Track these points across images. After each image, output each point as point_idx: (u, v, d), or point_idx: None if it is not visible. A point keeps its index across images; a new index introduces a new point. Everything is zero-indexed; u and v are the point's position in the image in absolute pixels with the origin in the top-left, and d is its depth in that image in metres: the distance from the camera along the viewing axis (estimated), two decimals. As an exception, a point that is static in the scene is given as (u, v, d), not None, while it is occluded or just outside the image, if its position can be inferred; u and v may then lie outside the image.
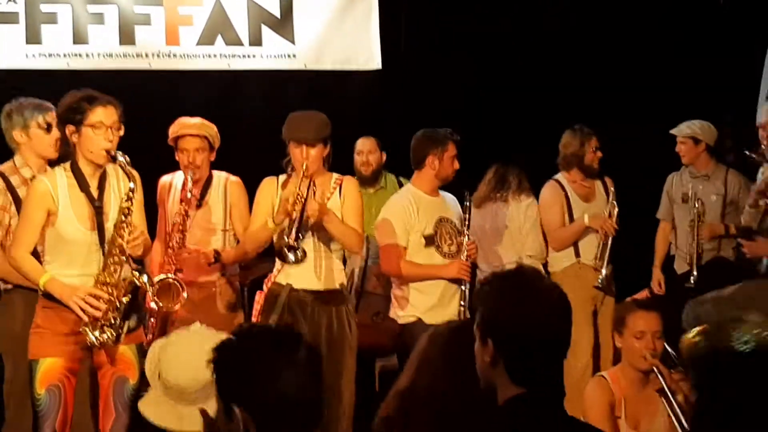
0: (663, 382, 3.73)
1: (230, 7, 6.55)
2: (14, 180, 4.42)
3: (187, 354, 2.64)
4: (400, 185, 5.74)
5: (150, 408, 2.70)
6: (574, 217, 5.63)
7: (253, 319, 4.66)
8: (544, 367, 2.12)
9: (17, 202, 4.31)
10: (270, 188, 4.64)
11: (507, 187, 5.80)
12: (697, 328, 1.93)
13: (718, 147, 5.93)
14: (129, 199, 3.92)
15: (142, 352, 4.12)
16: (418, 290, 4.93)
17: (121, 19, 6.38)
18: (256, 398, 1.91)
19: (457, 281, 4.88)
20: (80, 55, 6.34)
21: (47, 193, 3.91)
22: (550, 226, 5.66)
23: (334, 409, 4.48)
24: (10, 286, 4.38)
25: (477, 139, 5.85)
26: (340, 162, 4.87)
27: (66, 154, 4.07)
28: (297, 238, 4.40)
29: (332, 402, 4.46)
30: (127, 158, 3.90)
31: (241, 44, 6.60)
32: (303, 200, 4.38)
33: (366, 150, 6.10)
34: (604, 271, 5.54)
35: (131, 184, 3.92)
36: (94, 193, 3.95)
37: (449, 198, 5.11)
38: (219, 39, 6.56)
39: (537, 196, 5.79)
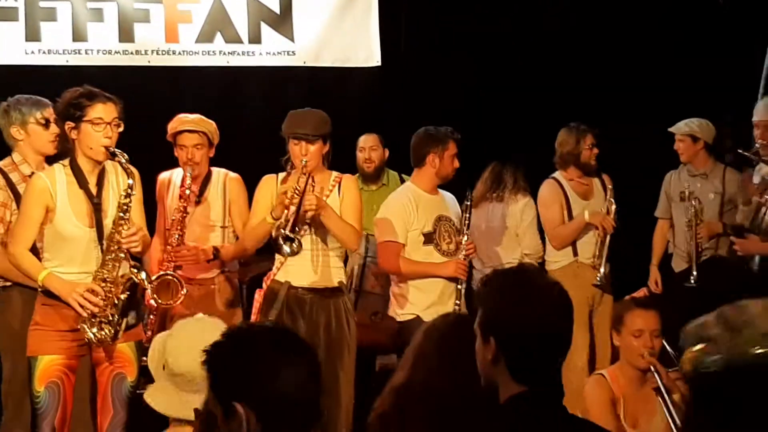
0: (659, 381, 3.73)
1: (230, 4, 6.54)
2: (14, 177, 4.42)
3: (194, 340, 2.64)
4: (403, 182, 5.73)
5: (156, 397, 2.69)
6: (573, 214, 5.63)
7: (252, 317, 4.66)
8: (546, 365, 2.12)
9: (17, 198, 4.31)
10: (269, 185, 4.64)
11: (503, 187, 5.82)
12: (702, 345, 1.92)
13: (716, 146, 5.93)
14: (128, 195, 3.92)
15: (141, 350, 4.13)
16: (417, 288, 4.93)
17: (120, 16, 6.38)
18: (260, 394, 1.91)
19: (454, 279, 4.89)
20: (79, 52, 6.33)
21: (45, 189, 3.91)
22: (550, 224, 5.66)
23: (333, 407, 4.48)
24: (8, 284, 4.38)
25: (477, 138, 5.85)
26: (341, 160, 4.86)
27: (65, 150, 4.07)
28: (294, 230, 4.37)
29: (331, 400, 4.46)
30: (126, 156, 3.90)
31: (241, 41, 6.59)
32: (301, 194, 4.37)
33: (368, 146, 6.08)
34: (602, 269, 5.54)
35: (130, 181, 3.92)
36: (93, 190, 3.95)
37: (448, 197, 5.12)
38: (218, 36, 6.56)
39: (536, 195, 5.79)
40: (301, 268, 4.55)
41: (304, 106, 4.71)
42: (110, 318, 3.88)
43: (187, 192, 4.82)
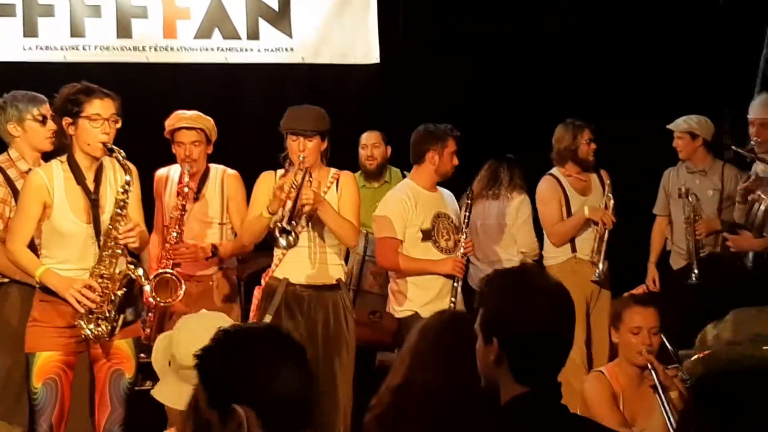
0: (656, 378, 3.73)
1: (228, 0, 6.53)
2: (11, 173, 4.41)
3: (201, 333, 2.64)
4: (405, 180, 5.72)
5: (164, 392, 2.69)
6: (572, 210, 5.62)
7: (251, 314, 4.65)
8: (549, 365, 2.12)
9: (16, 195, 4.30)
10: (267, 182, 4.62)
11: (499, 184, 5.85)
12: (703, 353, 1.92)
13: (715, 143, 5.93)
14: (125, 191, 3.91)
15: (139, 346, 4.12)
16: (416, 285, 4.93)
17: (118, 12, 6.37)
18: (259, 395, 1.90)
19: (451, 277, 4.89)
20: (77, 48, 6.33)
21: (43, 186, 3.90)
22: (548, 221, 5.65)
23: (331, 404, 4.47)
24: (6, 280, 4.37)
25: (476, 138, 5.85)
26: (340, 156, 4.85)
27: (62, 146, 4.07)
28: (290, 223, 4.36)
29: (328, 397, 4.46)
30: (123, 153, 3.89)
31: (239, 38, 6.59)
32: (298, 188, 4.35)
33: (370, 144, 6.05)
34: (601, 265, 5.53)
35: (127, 177, 3.91)
36: (91, 186, 3.95)
37: (447, 194, 5.12)
38: (216, 32, 6.55)
39: (533, 194, 5.78)
40: (300, 265, 4.54)
41: (303, 104, 4.70)
42: (107, 314, 3.88)
43: (186, 189, 4.81)
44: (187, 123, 4.85)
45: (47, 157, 4.35)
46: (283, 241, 4.36)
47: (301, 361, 1.98)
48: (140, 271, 3.95)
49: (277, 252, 4.60)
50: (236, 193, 4.93)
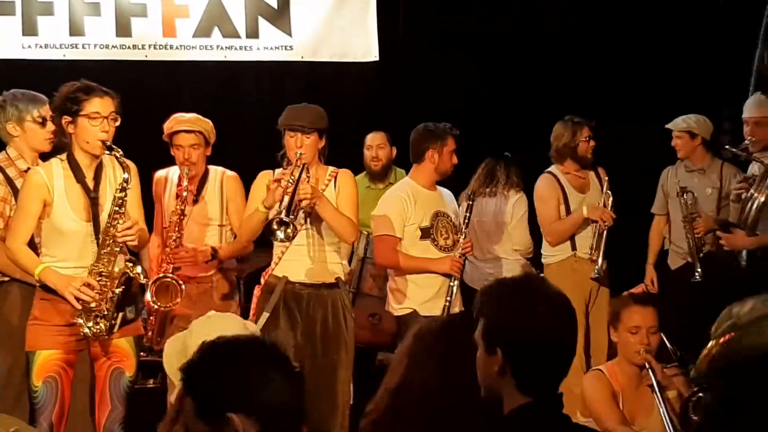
0: (653, 378, 3.74)
1: (227, -2, 6.56)
2: (11, 172, 4.41)
3: (217, 333, 2.65)
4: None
5: None
6: (570, 208, 5.60)
7: (251, 313, 4.65)
8: (552, 375, 2.12)
9: (15, 193, 4.29)
10: (265, 181, 4.59)
11: (495, 182, 5.86)
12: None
13: (714, 142, 5.94)
14: (123, 189, 3.91)
15: (139, 345, 4.13)
16: (415, 283, 4.94)
17: (117, 10, 6.38)
18: (252, 402, 1.90)
19: (448, 276, 4.90)
20: (77, 47, 6.33)
21: (43, 184, 3.91)
22: (546, 220, 5.63)
23: (329, 403, 4.48)
24: (7, 279, 4.37)
25: (476, 137, 5.85)
26: (341, 157, 4.84)
27: (62, 145, 4.07)
28: (288, 214, 4.33)
29: (327, 396, 4.46)
30: (121, 152, 3.89)
31: (238, 36, 6.59)
32: (295, 183, 4.34)
33: (375, 145, 6.02)
34: (599, 261, 5.51)
35: (125, 175, 3.91)
36: (90, 184, 3.95)
37: (446, 193, 5.13)
38: (216, 31, 6.55)
39: (530, 192, 5.78)
40: (299, 263, 4.54)
41: (303, 103, 4.70)
42: (106, 312, 3.88)
43: (185, 194, 4.78)
44: (186, 126, 4.82)
45: (45, 156, 4.34)
46: (280, 234, 4.31)
47: (288, 369, 1.98)
48: (139, 269, 3.95)
49: (276, 251, 4.59)
50: (235, 195, 4.90)
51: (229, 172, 4.98)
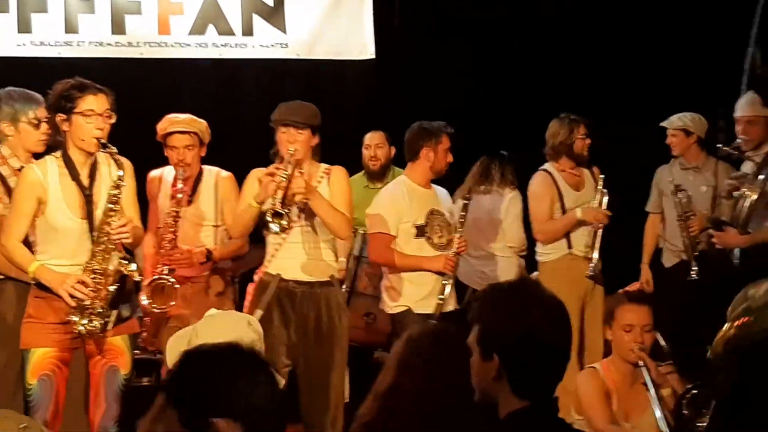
0: (647, 376, 3.75)
1: (222, -4, 6.55)
2: (4, 170, 4.40)
3: (224, 330, 2.65)
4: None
5: None
6: (565, 206, 5.58)
7: (245, 311, 4.64)
8: (547, 378, 2.12)
9: (9, 191, 4.29)
10: (257, 179, 4.59)
11: (490, 180, 5.86)
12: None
13: (709, 140, 5.95)
14: (117, 186, 3.91)
15: (134, 343, 4.12)
16: (409, 281, 4.94)
17: (112, 7, 6.37)
18: (235, 406, 1.91)
19: (441, 273, 4.90)
20: (71, 44, 6.32)
21: (38, 181, 3.91)
22: (538, 218, 5.60)
23: (322, 401, 4.48)
24: (2, 277, 4.36)
25: (473, 137, 5.86)
26: (339, 156, 4.84)
27: (56, 143, 4.06)
28: (283, 205, 4.31)
29: (320, 394, 4.46)
30: (115, 149, 3.89)
31: (233, 34, 6.58)
32: (288, 178, 4.32)
33: (374, 144, 6.00)
34: (595, 255, 5.51)
35: (120, 172, 3.91)
36: (85, 182, 3.95)
37: (441, 191, 5.14)
38: (211, 28, 6.55)
39: (525, 188, 5.79)
40: (293, 261, 4.53)
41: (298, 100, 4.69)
42: (100, 309, 3.88)
43: (179, 196, 4.76)
44: (180, 127, 4.80)
45: (38, 155, 4.33)
46: (275, 227, 4.31)
47: (268, 371, 2.00)
48: (133, 267, 3.95)
49: (269, 248, 4.59)
50: (230, 195, 4.86)
51: (224, 173, 4.96)
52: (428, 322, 4.59)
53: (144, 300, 4.54)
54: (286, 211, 4.30)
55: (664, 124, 5.93)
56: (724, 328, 1.96)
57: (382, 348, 5.30)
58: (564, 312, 2.16)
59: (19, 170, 4.21)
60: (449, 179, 5.24)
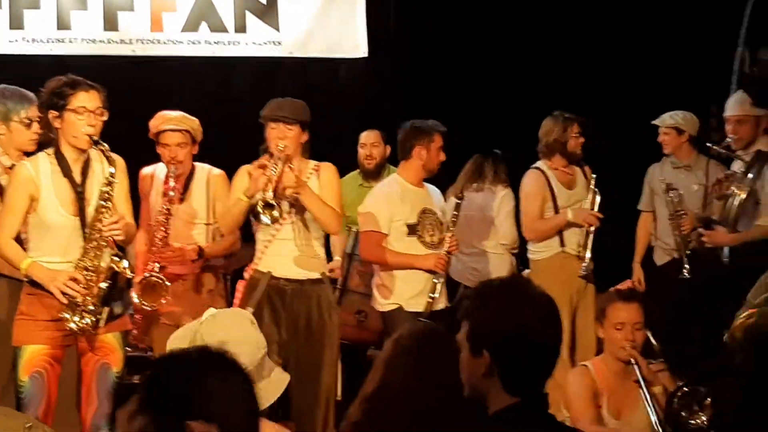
0: (638, 373, 3.76)
1: (215, -7, 6.54)
2: (-5, 169, 4.40)
3: (225, 329, 2.64)
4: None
5: None
6: (558, 204, 5.58)
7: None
8: (538, 375, 2.13)
9: (0, 190, 4.28)
10: (246, 174, 4.57)
11: (483, 178, 5.88)
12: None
13: (700, 138, 5.96)
14: (109, 183, 3.91)
15: (126, 340, 4.12)
16: (401, 279, 4.95)
17: (104, 4, 6.36)
18: (213, 408, 1.93)
19: (432, 272, 4.91)
20: (63, 41, 6.31)
21: (30, 178, 3.90)
22: (529, 216, 5.58)
23: (313, 399, 4.48)
24: (-6, 274, 4.37)
25: (468, 136, 5.87)
26: (335, 155, 4.83)
27: (48, 140, 4.06)
28: (274, 196, 4.30)
29: (311, 392, 4.46)
30: (107, 146, 3.88)
31: (226, 31, 6.57)
32: (279, 173, 4.31)
33: (369, 143, 5.99)
34: (587, 255, 5.51)
35: (112, 169, 3.91)
36: (78, 179, 3.94)
37: (433, 190, 5.14)
38: (203, 25, 6.54)
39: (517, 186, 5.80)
40: (283, 258, 4.53)
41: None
42: (92, 307, 3.87)
43: (171, 194, 4.74)
44: (172, 125, 4.78)
45: (28, 154, 4.32)
46: (266, 218, 4.31)
47: (242, 372, 2.01)
48: (125, 264, 3.94)
49: (259, 245, 4.58)
50: (222, 193, 4.84)
51: (216, 170, 4.95)
52: (418, 320, 4.60)
53: (135, 297, 4.54)
54: (277, 202, 4.31)
55: (655, 122, 5.94)
56: (745, 314, 1.97)
57: (374, 346, 5.30)
58: (554, 309, 2.17)
59: (10, 168, 4.20)
60: (443, 177, 5.24)
